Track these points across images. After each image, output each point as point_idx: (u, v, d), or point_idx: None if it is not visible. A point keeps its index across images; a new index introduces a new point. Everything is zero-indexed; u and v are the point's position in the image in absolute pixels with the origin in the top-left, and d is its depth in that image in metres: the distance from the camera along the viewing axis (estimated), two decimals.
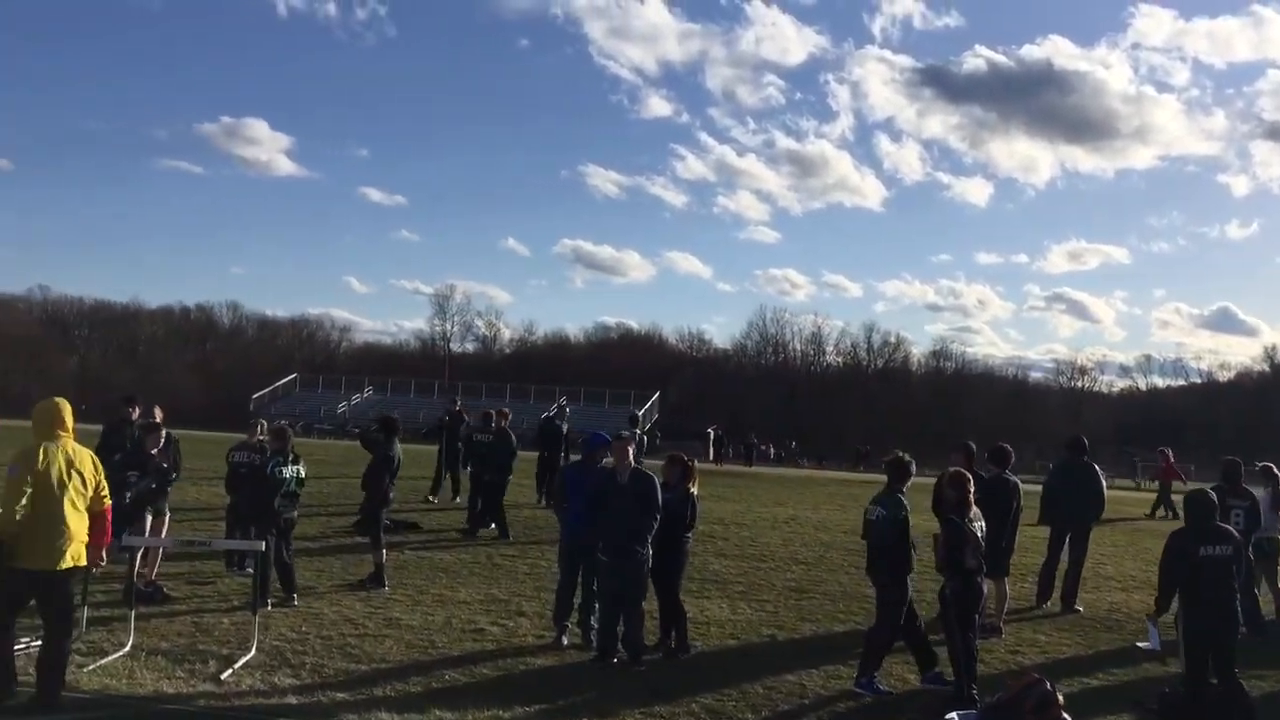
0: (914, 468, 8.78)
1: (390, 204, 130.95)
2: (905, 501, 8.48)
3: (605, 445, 9.64)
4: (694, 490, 9.40)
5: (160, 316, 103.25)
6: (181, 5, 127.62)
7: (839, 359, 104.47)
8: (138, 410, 13.16)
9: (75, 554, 7.06)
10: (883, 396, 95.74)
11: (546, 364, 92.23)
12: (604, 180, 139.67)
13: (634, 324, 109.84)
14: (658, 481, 8.93)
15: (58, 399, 7.33)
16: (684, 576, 9.67)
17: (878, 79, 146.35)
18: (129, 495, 10.37)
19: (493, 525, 16.06)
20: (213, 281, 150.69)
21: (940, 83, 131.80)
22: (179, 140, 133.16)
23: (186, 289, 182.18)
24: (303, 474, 10.83)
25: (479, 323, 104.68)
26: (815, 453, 67.31)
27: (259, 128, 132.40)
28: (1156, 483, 25.90)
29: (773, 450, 62.44)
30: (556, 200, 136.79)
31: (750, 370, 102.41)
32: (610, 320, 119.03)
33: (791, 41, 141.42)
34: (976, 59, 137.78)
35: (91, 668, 7.84)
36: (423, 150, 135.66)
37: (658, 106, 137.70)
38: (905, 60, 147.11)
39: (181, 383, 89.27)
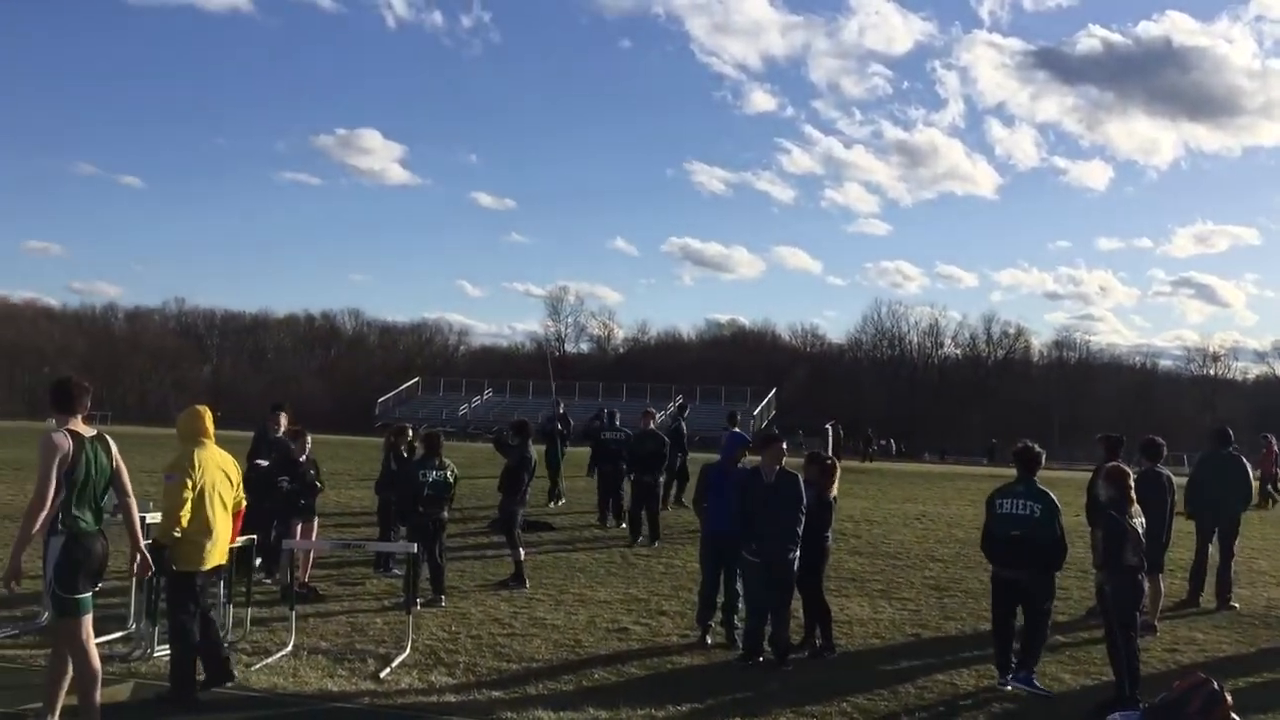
0: (1044, 458, 8.65)
1: (500, 208, 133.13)
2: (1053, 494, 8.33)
3: (744, 444, 9.66)
4: (834, 492, 9.36)
5: (287, 324, 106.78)
6: (297, 23, 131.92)
7: (957, 351, 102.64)
8: (285, 418, 13.69)
9: (220, 554, 7.41)
10: (1004, 388, 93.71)
11: (660, 362, 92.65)
12: (710, 177, 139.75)
13: (745, 320, 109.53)
14: (802, 481, 8.90)
15: (200, 406, 7.62)
16: (825, 575, 9.63)
17: (987, 64, 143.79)
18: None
19: (622, 524, 16.17)
20: (335, 289, 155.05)
21: (1053, 65, 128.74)
22: (297, 153, 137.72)
23: (311, 297, 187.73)
24: (450, 478, 11.07)
25: (592, 323, 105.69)
26: (936, 447, 66.15)
27: (372, 138, 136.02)
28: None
29: (894, 445, 61.51)
30: (663, 199, 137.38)
31: (866, 364, 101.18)
32: (721, 317, 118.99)
33: (897, 30, 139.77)
34: (1091, 39, 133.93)
35: (258, 666, 8.16)
36: (530, 154, 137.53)
37: (761, 101, 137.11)
38: (1016, 43, 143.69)
39: (308, 388, 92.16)
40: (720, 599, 9.48)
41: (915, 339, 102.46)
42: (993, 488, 8.92)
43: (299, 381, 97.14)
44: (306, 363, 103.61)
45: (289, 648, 8.70)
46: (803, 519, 8.69)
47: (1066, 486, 15.87)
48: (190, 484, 7.12)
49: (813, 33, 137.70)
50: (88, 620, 6.27)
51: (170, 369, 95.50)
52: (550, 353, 64.11)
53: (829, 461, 9.50)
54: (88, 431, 6.36)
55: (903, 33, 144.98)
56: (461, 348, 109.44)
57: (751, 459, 9.60)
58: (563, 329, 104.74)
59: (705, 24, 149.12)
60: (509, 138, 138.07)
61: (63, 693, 6.28)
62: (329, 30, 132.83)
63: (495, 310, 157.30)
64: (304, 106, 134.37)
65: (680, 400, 29.66)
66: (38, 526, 6.07)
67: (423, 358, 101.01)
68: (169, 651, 7.40)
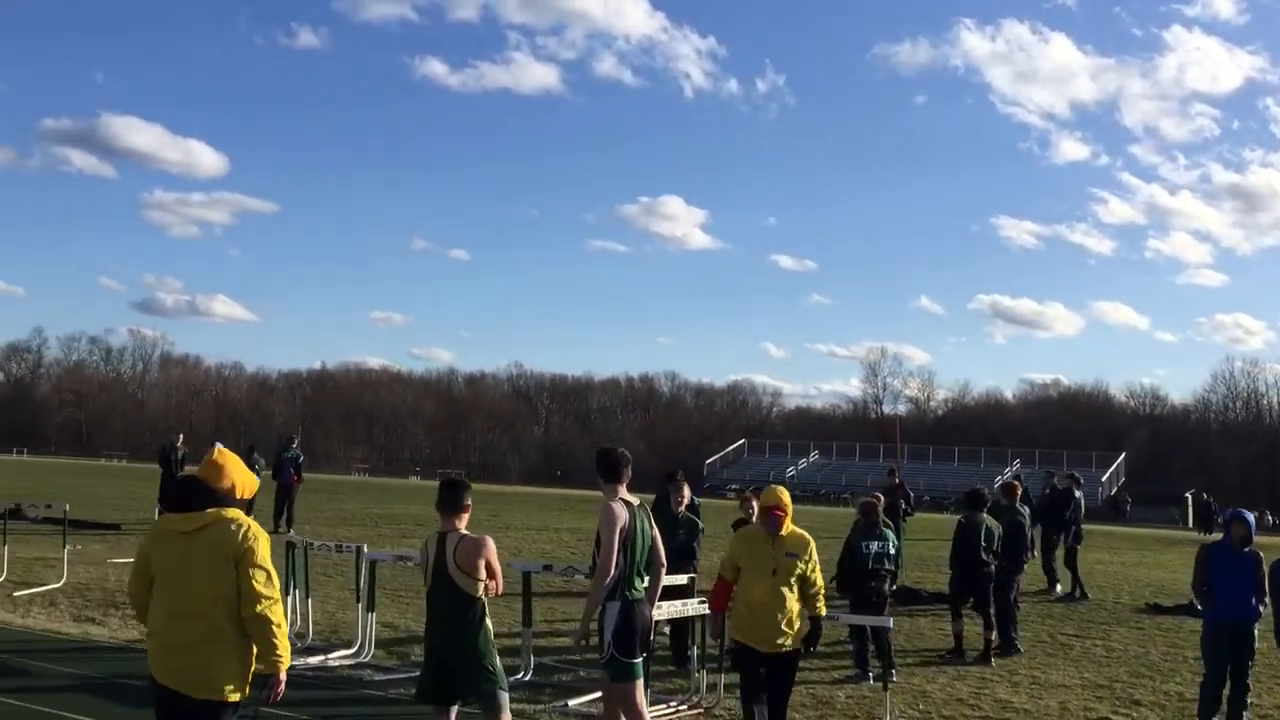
0: None
1: (801, 269, 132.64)
2: None
3: (1246, 523, 8.84)
4: None
5: (609, 387, 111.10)
6: (603, 99, 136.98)
7: None
8: (686, 489, 13.63)
9: None
10: None
11: (983, 425, 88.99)
12: (1018, 231, 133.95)
13: (1064, 379, 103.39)
14: None
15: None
16: None
17: None
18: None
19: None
20: (644, 351, 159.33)
21: None
22: (604, 222, 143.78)
23: (625, 360, 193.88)
24: (892, 549, 10.78)
25: (910, 384, 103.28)
26: None
27: (675, 204, 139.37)
28: None
29: (1270, 517, 55.71)
30: (969, 255, 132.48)
31: (1216, 427, 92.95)
32: (1037, 376, 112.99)
33: (1222, 66, 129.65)
34: None
35: None
36: (829, 214, 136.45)
37: (1071, 150, 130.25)
38: None
39: (631, 449, 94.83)
40: (1226, 691, 8.66)
41: (1276, 399, 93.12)
42: None
43: (622, 442, 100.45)
44: (628, 423, 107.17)
45: None
46: None
47: None
48: None
49: (1126, 75, 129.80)
50: (640, 684, 6.46)
51: (506, 430, 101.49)
52: (896, 418, 62.35)
53: None
54: (633, 500, 6.60)
55: (1229, 69, 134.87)
56: (775, 409, 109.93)
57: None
58: (880, 390, 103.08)
59: (1007, 73, 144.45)
60: (807, 199, 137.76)
61: None
62: (632, 104, 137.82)
63: (800, 371, 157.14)
64: (610, 177, 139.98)
65: (1065, 470, 26.92)
66: (605, 594, 6.34)
67: (737, 420, 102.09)
68: None
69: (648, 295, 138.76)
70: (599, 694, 9.31)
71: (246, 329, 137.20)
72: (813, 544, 6.97)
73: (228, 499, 4.87)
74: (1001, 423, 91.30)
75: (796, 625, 6.81)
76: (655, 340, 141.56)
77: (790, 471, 67.18)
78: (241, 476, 4.99)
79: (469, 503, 6.16)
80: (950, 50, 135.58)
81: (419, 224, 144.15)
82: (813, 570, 6.87)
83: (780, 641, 6.75)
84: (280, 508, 21.42)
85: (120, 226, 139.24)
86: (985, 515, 11.85)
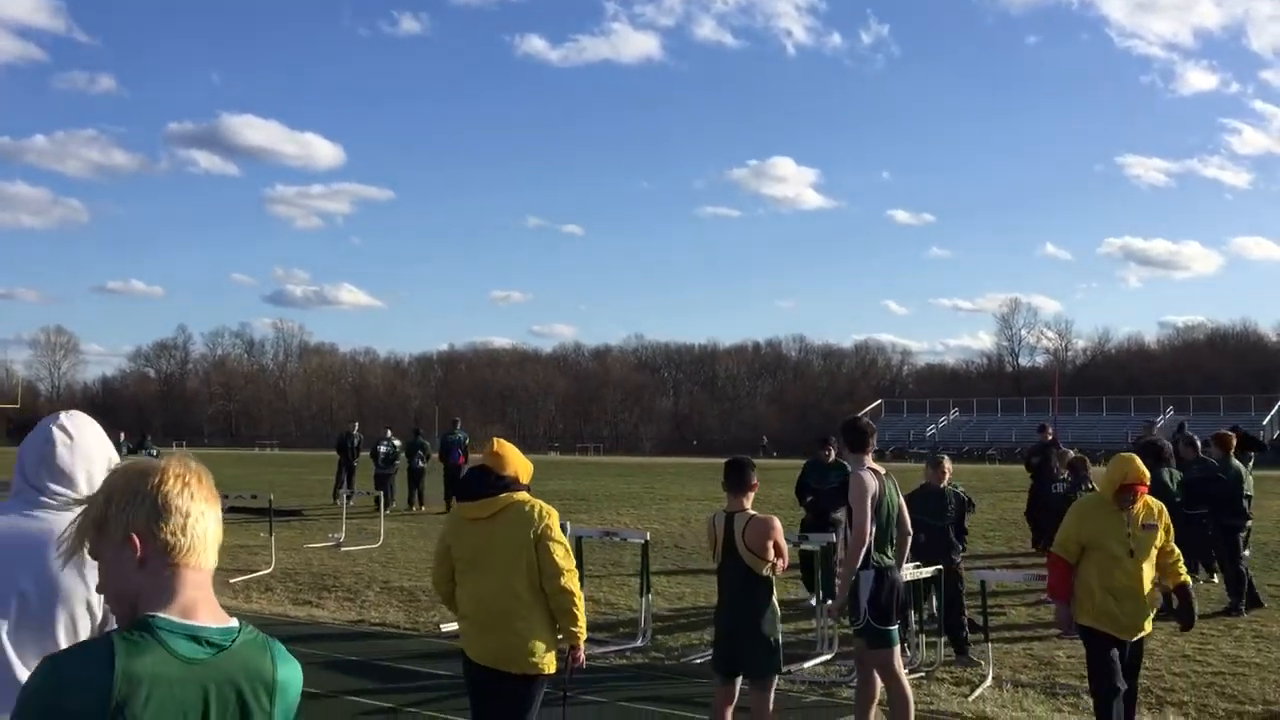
0: None
1: (918, 223, 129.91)
2: None
3: None
4: None
5: (735, 354, 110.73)
6: (704, 64, 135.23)
7: None
8: (832, 451, 13.49)
9: None
10: None
11: (1127, 373, 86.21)
12: (1146, 169, 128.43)
13: (1208, 320, 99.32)
14: None
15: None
16: None
17: None
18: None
19: (1214, 576, 14.05)
20: (763, 316, 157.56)
21: None
22: (715, 188, 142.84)
23: (746, 325, 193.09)
24: None
25: (1045, 334, 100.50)
26: None
27: (785, 165, 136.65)
28: None
29: None
30: (1094, 197, 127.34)
31: None
32: (1177, 319, 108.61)
33: None
34: None
35: (973, 697, 8.20)
36: (945, 165, 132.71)
37: (1198, 80, 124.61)
38: None
39: (762, 414, 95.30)
40: None
41: None
42: None
43: (752, 408, 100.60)
44: (758, 389, 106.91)
45: (989, 680, 8.67)
46: None
47: None
48: None
49: None
50: (898, 650, 6.54)
51: (636, 402, 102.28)
52: (1057, 372, 60.56)
53: None
54: (880, 469, 6.66)
55: None
56: (905, 367, 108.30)
57: None
58: (1014, 343, 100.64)
59: (1123, 5, 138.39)
60: (920, 151, 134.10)
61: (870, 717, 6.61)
62: (734, 67, 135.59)
63: (925, 327, 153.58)
64: (717, 142, 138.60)
65: None
66: (859, 563, 6.43)
67: (868, 380, 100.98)
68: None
69: (764, 259, 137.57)
70: (827, 657, 9.50)
71: (373, 315, 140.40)
72: (1165, 509, 6.41)
73: (515, 484, 5.10)
74: (1146, 369, 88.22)
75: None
76: (774, 304, 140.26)
77: (931, 430, 66.23)
78: (521, 463, 5.22)
79: (755, 481, 6.19)
80: None
81: (531, 201, 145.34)
82: (1170, 537, 6.35)
83: (1145, 625, 6.19)
84: (451, 489, 22.06)
85: (247, 222, 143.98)
86: (1168, 469, 11.49)
